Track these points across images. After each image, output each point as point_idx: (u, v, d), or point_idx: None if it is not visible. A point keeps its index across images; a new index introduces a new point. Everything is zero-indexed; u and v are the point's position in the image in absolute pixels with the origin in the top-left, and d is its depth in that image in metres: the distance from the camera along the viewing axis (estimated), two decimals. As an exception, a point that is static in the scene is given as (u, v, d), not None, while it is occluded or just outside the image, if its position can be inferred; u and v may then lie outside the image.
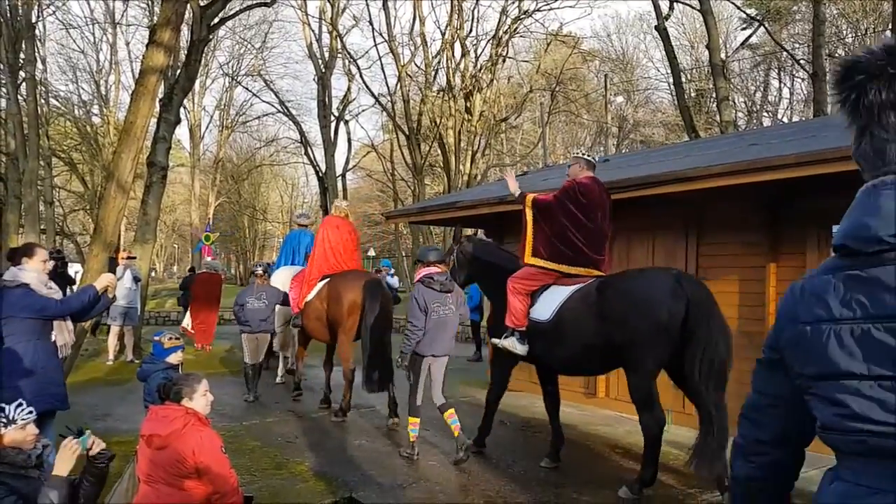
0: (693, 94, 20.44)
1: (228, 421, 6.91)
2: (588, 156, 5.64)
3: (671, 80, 18.10)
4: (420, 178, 25.30)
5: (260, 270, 8.65)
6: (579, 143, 32.29)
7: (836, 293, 1.19)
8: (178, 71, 13.18)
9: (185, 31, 15.15)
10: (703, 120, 20.22)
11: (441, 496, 4.80)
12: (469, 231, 9.20)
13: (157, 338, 4.84)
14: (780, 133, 7.76)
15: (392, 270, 13.39)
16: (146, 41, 9.65)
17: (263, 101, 43.78)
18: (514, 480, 5.17)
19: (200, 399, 3.62)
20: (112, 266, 5.24)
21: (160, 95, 11.04)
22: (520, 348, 5.42)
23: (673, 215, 7.13)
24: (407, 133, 24.88)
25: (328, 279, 7.39)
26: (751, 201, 6.24)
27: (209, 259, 15.09)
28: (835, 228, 1.28)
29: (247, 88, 33.75)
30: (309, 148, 29.52)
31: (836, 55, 17.71)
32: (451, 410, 5.63)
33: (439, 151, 24.78)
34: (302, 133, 29.79)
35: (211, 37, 13.86)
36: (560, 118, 30.72)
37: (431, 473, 5.30)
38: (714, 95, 17.01)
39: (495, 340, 5.65)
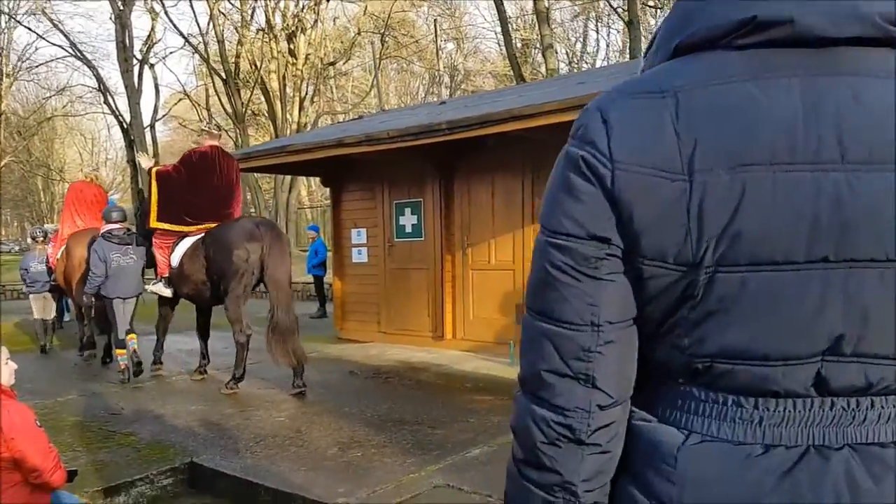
0: (519, 45, 21.07)
1: (41, 397, 6.10)
2: (208, 127, 6.96)
3: (499, 28, 18.48)
4: (242, 128, 23.76)
5: (40, 236, 9.51)
6: (412, 94, 32.20)
7: (786, 111, 0.72)
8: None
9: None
10: (528, 71, 20.95)
11: (292, 448, 4.58)
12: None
13: None
14: (605, 73, 8.18)
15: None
16: None
17: (52, 44, 38.43)
18: (368, 425, 5.07)
19: (3, 369, 3.09)
20: None
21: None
22: (166, 291, 6.67)
23: (510, 155, 7.28)
24: (224, 77, 23.10)
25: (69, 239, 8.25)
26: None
27: None
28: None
29: (29, 28, 29.30)
30: (109, 96, 26.48)
31: (651, 4, 18.92)
32: (133, 336, 6.85)
33: (262, 98, 23.41)
34: (99, 79, 26.56)
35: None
36: (392, 66, 30.28)
37: (279, 429, 5.04)
38: (539, 45, 17.63)
39: (147, 287, 6.91)
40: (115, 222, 6.85)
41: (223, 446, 4.68)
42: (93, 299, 6.97)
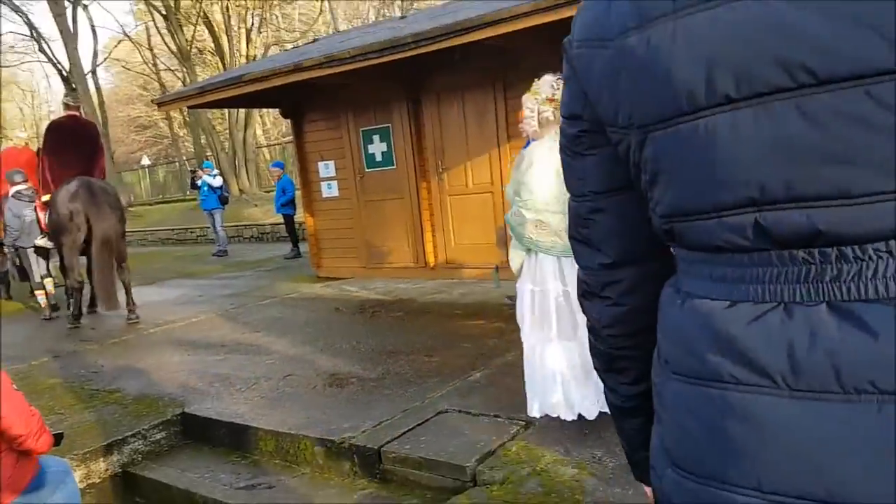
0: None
1: (11, 362, 5.81)
2: (66, 99, 7.82)
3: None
4: (190, 66, 22.55)
5: None
6: (363, 18, 30.83)
7: None
8: None
9: None
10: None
11: (287, 390, 4.45)
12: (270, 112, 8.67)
13: None
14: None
15: (215, 171, 13.49)
16: None
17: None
18: (363, 359, 4.94)
19: (-36, 337, 2.84)
20: None
21: None
22: (46, 243, 7.62)
23: (480, 69, 6.92)
24: (164, 14, 21.76)
25: None
26: (558, 43, 6.18)
27: None
28: None
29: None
30: (44, 43, 24.95)
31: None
32: (50, 279, 8.08)
33: (207, 34, 22.16)
34: (31, 26, 24.98)
35: None
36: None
37: (271, 372, 4.89)
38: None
39: (36, 241, 7.74)
40: (20, 182, 7.64)
41: (215, 394, 4.52)
42: (14, 251, 7.95)
